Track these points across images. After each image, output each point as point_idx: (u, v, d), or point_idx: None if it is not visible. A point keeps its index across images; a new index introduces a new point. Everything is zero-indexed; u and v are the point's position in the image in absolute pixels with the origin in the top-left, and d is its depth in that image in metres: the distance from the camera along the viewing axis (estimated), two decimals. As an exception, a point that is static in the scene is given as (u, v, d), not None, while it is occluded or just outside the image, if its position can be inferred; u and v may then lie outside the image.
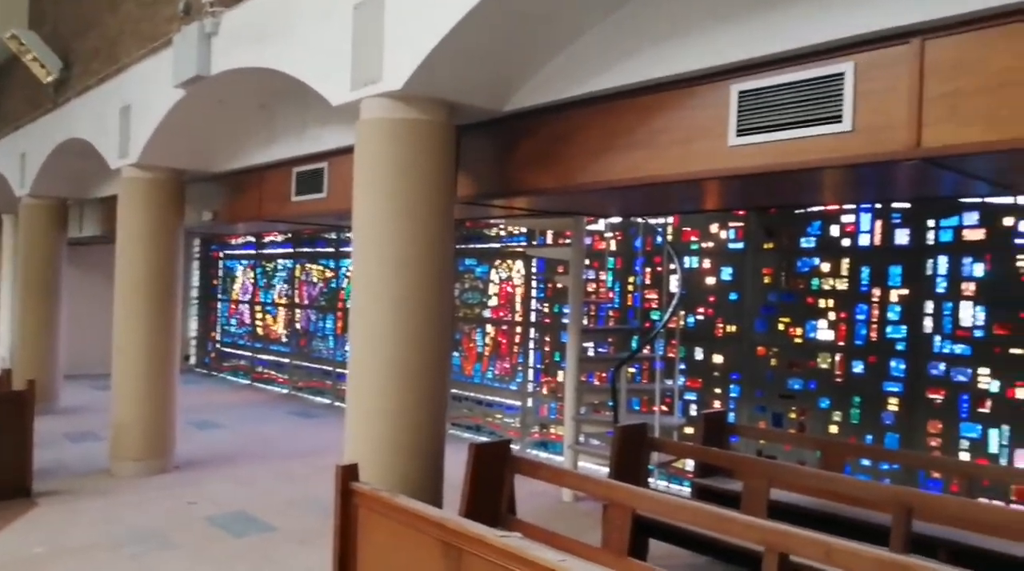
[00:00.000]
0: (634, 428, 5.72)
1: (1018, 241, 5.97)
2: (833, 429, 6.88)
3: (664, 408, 7.68)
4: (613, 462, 5.58)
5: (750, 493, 4.71)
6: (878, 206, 6.69)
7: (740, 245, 7.69)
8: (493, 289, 10.33)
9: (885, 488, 4.62)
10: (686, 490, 7.20)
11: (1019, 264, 5.95)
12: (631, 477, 5.38)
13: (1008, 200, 5.97)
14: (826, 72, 3.46)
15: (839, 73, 3.41)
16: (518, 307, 9.96)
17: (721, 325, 7.80)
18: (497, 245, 10.35)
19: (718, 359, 7.80)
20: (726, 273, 7.79)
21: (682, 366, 7.98)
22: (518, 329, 9.95)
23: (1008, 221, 6.01)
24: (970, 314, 6.18)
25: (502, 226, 10.18)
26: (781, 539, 3.12)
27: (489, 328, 10.34)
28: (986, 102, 2.95)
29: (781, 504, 5.00)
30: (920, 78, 3.17)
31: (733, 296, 7.71)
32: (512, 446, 5.02)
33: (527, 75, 4.67)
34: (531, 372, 9.76)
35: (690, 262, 8.06)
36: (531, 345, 9.78)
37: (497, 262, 10.30)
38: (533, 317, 9.77)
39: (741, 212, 7.60)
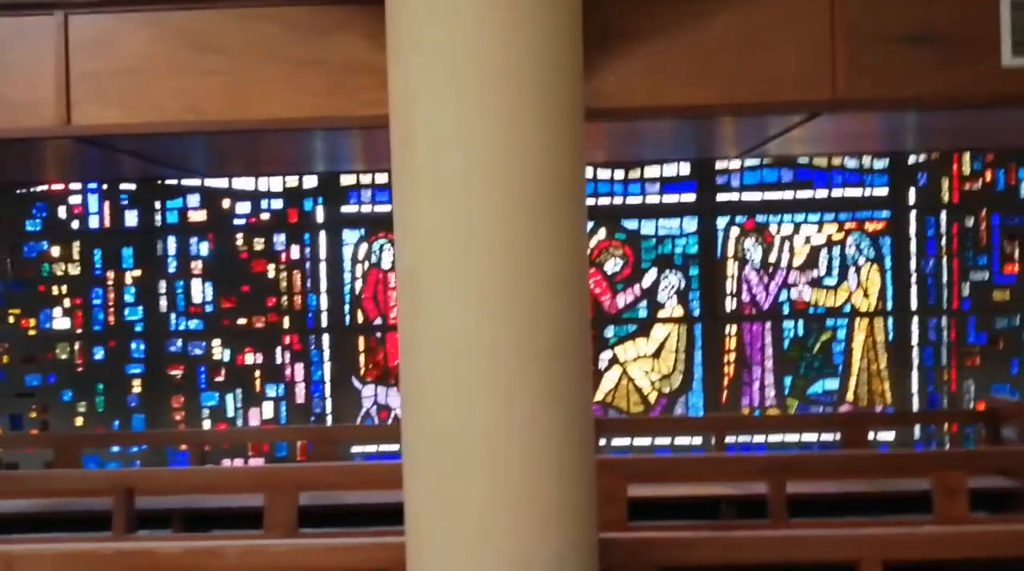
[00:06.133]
0: None
1: (236, 221, 6.54)
2: (79, 421, 6.55)
3: None
4: None
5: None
6: (105, 187, 6.54)
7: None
8: None
9: (103, 474, 4.59)
10: None
11: (238, 242, 6.53)
12: None
13: (224, 183, 6.47)
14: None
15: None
16: None
17: (-64, 326, 6.67)
18: None
19: (-64, 366, 6.66)
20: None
21: None
22: None
23: (226, 203, 6.53)
24: (200, 291, 6.54)
25: None
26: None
27: None
28: (123, 84, 3.02)
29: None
30: (66, 53, 3.08)
31: (-50, 290, 6.66)
32: None
33: None
34: None
35: None
36: None
37: None
38: None
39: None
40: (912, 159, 6.25)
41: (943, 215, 6.33)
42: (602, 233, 6.47)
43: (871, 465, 4.40)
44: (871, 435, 5.81)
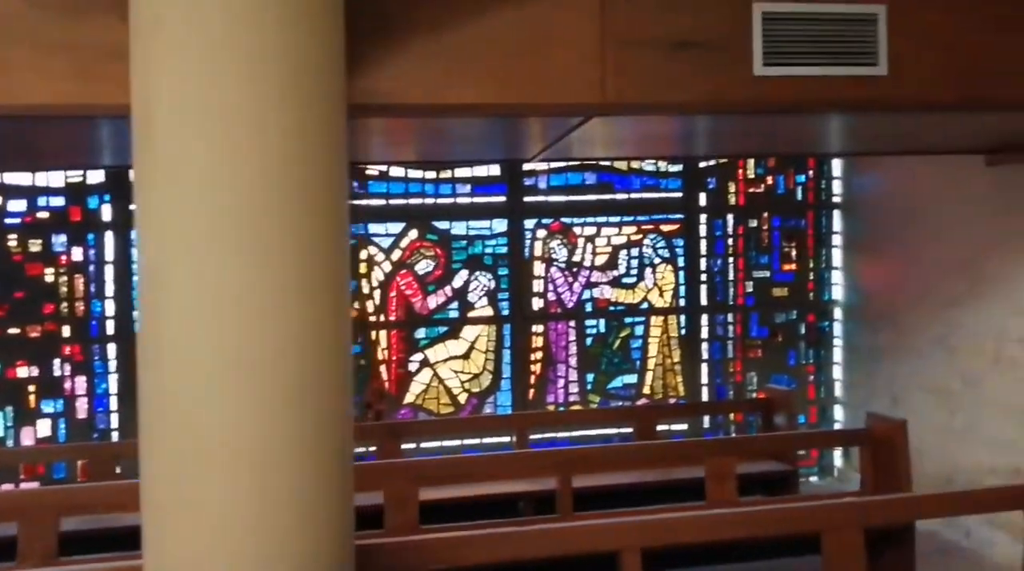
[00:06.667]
0: None
1: (8, 220, 5.92)
2: None
3: None
4: None
5: None
6: None
7: None
8: None
9: None
10: None
11: (11, 243, 5.92)
12: None
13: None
14: None
15: None
16: None
17: None
18: None
19: None
20: None
21: None
22: None
23: (-3, 199, 5.91)
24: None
25: None
26: None
27: None
28: None
29: None
30: None
31: None
32: None
33: None
34: None
35: None
36: None
37: None
38: None
39: None
40: (703, 164, 6.65)
41: (730, 217, 6.78)
42: (414, 234, 6.41)
43: (653, 456, 4.61)
44: (667, 426, 6.11)
